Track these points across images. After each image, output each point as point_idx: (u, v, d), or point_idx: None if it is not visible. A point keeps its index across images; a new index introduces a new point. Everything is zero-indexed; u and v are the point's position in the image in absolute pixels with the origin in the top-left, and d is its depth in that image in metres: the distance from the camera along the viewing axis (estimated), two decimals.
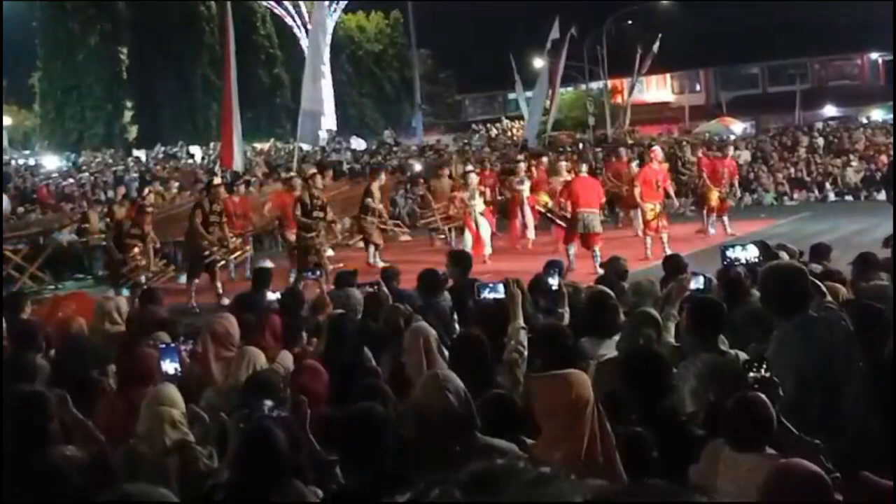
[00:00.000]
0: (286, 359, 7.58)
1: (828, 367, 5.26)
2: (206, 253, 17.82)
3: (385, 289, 9.77)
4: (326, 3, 49.63)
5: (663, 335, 6.97)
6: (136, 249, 17.30)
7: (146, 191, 26.26)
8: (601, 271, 11.58)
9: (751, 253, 7.75)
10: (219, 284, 17.90)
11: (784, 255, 9.19)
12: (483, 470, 1.00)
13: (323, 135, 38.94)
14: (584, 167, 21.27)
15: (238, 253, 19.14)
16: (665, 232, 20.07)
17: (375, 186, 21.74)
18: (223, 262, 18.45)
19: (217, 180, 20.91)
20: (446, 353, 7.00)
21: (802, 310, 5.40)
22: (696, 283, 7.84)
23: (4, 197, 28.44)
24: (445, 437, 4.60)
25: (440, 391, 4.88)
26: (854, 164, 33.15)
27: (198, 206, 18.40)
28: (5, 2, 47.03)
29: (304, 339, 8.52)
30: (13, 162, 48.35)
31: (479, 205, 21.13)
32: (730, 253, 7.78)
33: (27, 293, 15.45)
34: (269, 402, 5.52)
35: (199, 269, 17.98)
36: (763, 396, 4.81)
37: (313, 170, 22.32)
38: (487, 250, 20.66)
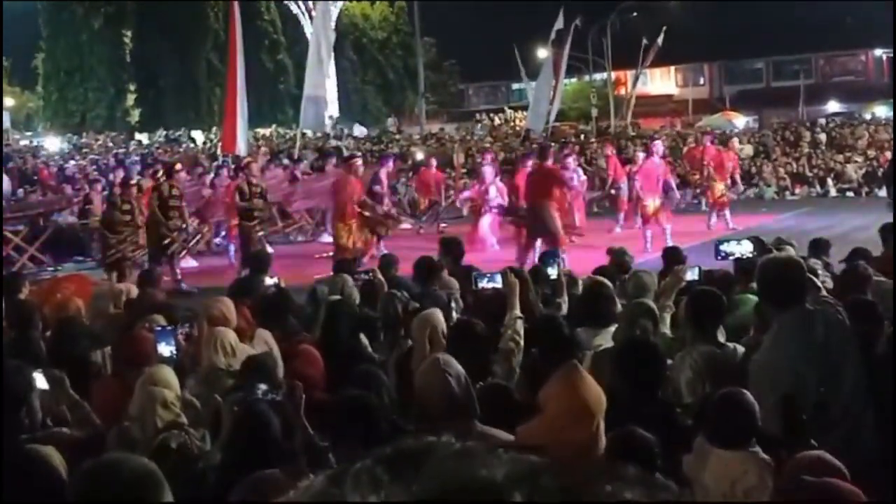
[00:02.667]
0: (265, 335, 7.52)
1: (824, 360, 5.25)
2: (167, 241, 17.49)
3: (381, 276, 9.77)
4: None
5: (659, 326, 6.97)
6: (126, 231, 17.29)
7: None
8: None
9: (745, 248, 7.76)
10: (178, 271, 17.69)
11: (790, 250, 9.17)
12: (404, 446, 1.00)
13: (326, 121, 38.89)
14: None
15: (199, 237, 19.00)
16: (668, 225, 20.07)
17: (384, 173, 21.73)
18: (182, 251, 18.24)
19: (252, 159, 21.00)
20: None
21: (799, 303, 5.39)
22: (692, 275, 7.84)
23: (5, 178, 28.42)
24: (444, 422, 4.58)
25: (441, 375, 4.87)
26: (856, 160, 33.13)
27: (156, 190, 18.13)
28: None
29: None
30: (15, 143, 48.30)
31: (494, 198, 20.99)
32: (723, 247, 7.79)
33: (26, 274, 15.43)
34: (263, 386, 5.52)
35: (160, 255, 17.42)
36: (745, 393, 4.82)
37: (248, 158, 22.24)
38: (490, 243, 20.41)
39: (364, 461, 0.99)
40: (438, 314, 7.05)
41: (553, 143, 33.41)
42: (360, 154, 26.75)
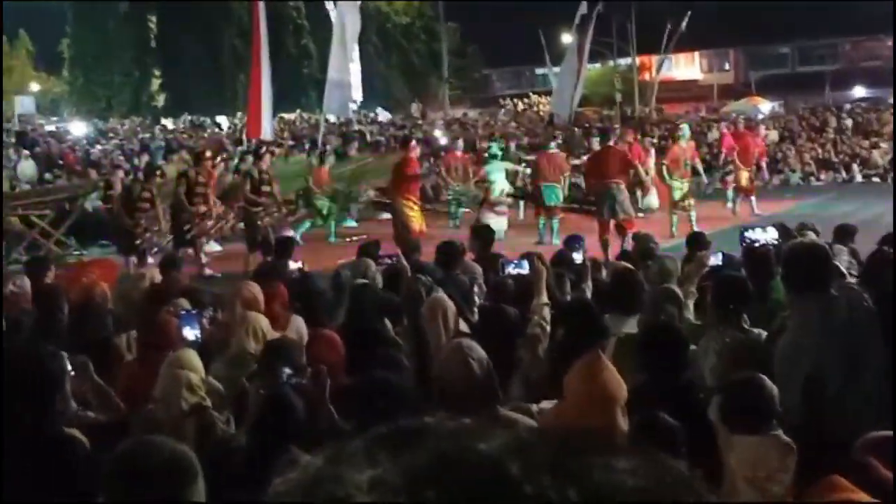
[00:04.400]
0: (299, 324, 7.54)
1: (849, 346, 5.23)
2: (188, 227, 17.60)
3: (404, 261, 9.78)
4: None
5: (684, 312, 6.95)
6: (145, 216, 17.43)
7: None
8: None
9: (770, 235, 7.72)
10: (203, 256, 17.83)
11: (812, 235, 9.13)
12: (399, 425, 1.02)
13: (351, 106, 38.93)
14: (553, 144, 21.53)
15: (221, 223, 19.08)
16: (693, 211, 20.02)
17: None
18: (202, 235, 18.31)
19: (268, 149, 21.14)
20: (463, 325, 6.99)
21: (824, 289, 5.37)
22: (716, 260, 7.82)
23: (31, 162, 28.57)
24: (467, 406, 4.59)
25: (464, 360, 4.87)
26: (882, 145, 32.92)
27: (183, 176, 18.28)
28: None
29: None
30: (41, 128, 48.49)
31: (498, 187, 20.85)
32: (748, 234, 7.75)
33: (52, 258, 15.51)
34: (287, 370, 5.53)
35: (183, 242, 17.63)
36: (760, 377, 4.81)
37: (263, 148, 22.45)
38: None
39: (359, 439, 1.00)
40: (445, 298, 7.06)
41: (576, 128, 33.41)
42: (413, 137, 26.90)
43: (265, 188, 18.23)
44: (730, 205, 23.16)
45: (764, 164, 25.64)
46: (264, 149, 22.19)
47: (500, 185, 21.43)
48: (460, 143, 27.48)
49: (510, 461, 0.93)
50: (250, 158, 21.44)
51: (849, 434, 4.46)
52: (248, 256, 17.30)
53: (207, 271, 17.20)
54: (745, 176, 23.07)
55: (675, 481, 0.96)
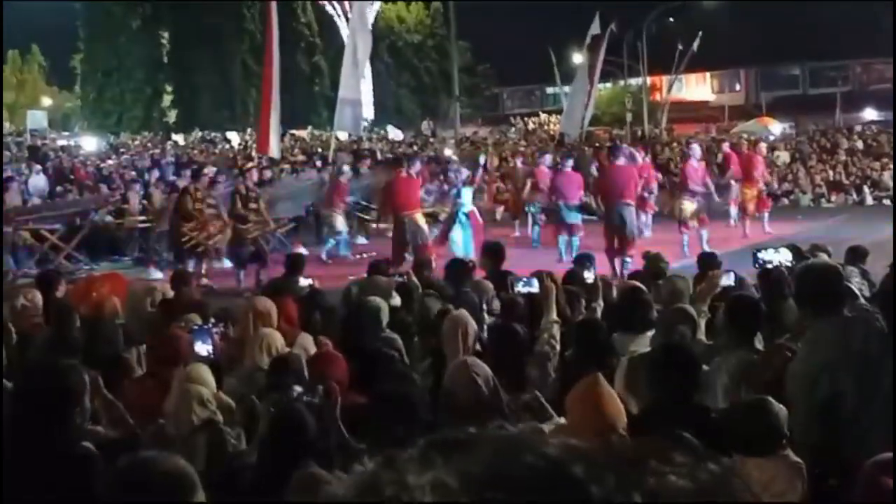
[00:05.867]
0: (306, 341, 7.52)
1: (861, 368, 5.21)
2: (185, 238, 17.82)
3: (415, 278, 9.77)
4: None
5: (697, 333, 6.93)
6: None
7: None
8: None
9: (783, 256, 7.67)
10: (203, 270, 17.95)
11: (823, 256, 9.10)
12: (453, 433, 1.02)
13: (363, 123, 39.01)
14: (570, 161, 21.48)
15: (219, 237, 19.20)
16: (705, 230, 20.00)
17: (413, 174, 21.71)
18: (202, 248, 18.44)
19: (254, 165, 21.24)
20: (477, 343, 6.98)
21: (837, 310, 5.35)
22: (728, 280, 7.79)
23: (42, 176, 28.64)
24: (473, 424, 4.57)
25: (469, 378, 4.87)
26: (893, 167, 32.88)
27: (185, 192, 18.53)
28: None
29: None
30: (52, 142, 48.63)
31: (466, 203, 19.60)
32: (762, 255, 7.70)
33: (62, 272, 15.52)
34: (298, 388, 5.53)
35: (185, 255, 17.91)
36: (769, 401, 4.79)
37: (250, 164, 22.57)
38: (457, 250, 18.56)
39: (414, 447, 1.01)
40: (466, 315, 7.03)
41: (587, 147, 33.43)
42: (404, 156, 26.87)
43: (252, 205, 18.40)
44: (733, 223, 23.14)
45: (769, 178, 25.51)
46: (250, 165, 22.40)
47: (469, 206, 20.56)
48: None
49: (573, 463, 0.93)
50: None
51: (863, 455, 4.45)
52: (238, 274, 17.72)
53: (204, 281, 17.31)
54: (749, 195, 23.01)
55: (721, 481, 0.97)
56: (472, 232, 18.76)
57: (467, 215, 19.14)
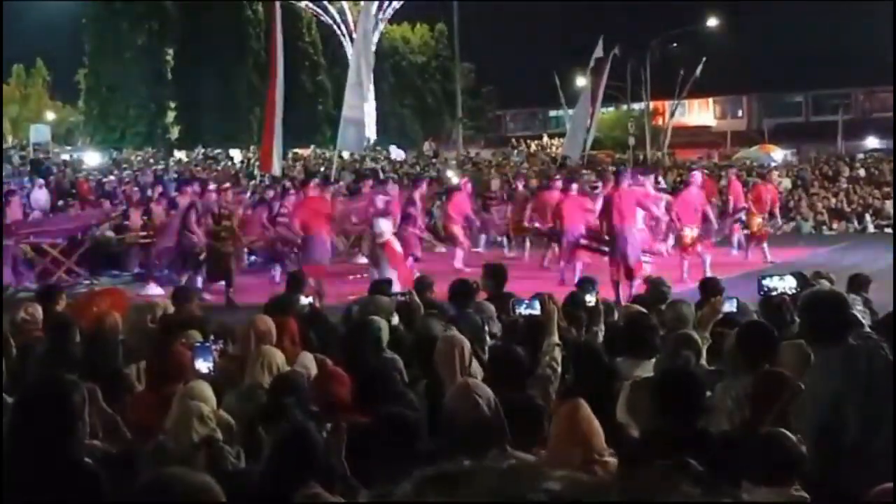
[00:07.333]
0: (307, 360, 7.48)
1: (866, 397, 5.18)
2: (197, 250, 18.41)
3: (417, 299, 9.74)
4: (372, 12, 49.88)
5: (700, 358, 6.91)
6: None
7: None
8: None
9: (788, 283, 7.62)
10: (199, 285, 18.18)
11: (825, 284, 9.08)
12: (447, 467, 1.00)
13: (364, 143, 39.10)
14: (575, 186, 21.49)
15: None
16: (708, 255, 19.99)
17: (417, 195, 21.67)
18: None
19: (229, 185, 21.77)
20: (476, 364, 6.94)
21: (842, 338, 5.32)
22: (730, 307, 7.75)
23: (44, 190, 28.66)
24: (474, 446, 4.55)
25: (470, 399, 4.85)
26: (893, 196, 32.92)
27: (191, 207, 18.91)
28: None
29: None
30: (55, 157, 48.66)
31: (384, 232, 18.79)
32: (766, 282, 7.64)
33: (63, 287, 15.51)
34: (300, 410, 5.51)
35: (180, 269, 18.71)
36: (786, 433, 4.76)
37: (227, 184, 22.88)
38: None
39: (408, 481, 0.98)
40: (460, 336, 6.99)
41: (587, 171, 33.47)
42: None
43: (225, 223, 18.59)
44: (734, 251, 23.16)
45: (777, 212, 25.51)
46: (227, 184, 22.73)
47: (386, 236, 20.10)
48: (468, 185, 26.73)
49: (577, 499, 0.91)
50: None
51: (866, 484, 4.42)
52: (227, 290, 17.95)
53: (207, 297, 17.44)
54: (756, 222, 23.03)
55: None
56: (388, 264, 18.23)
57: (382, 246, 18.61)
